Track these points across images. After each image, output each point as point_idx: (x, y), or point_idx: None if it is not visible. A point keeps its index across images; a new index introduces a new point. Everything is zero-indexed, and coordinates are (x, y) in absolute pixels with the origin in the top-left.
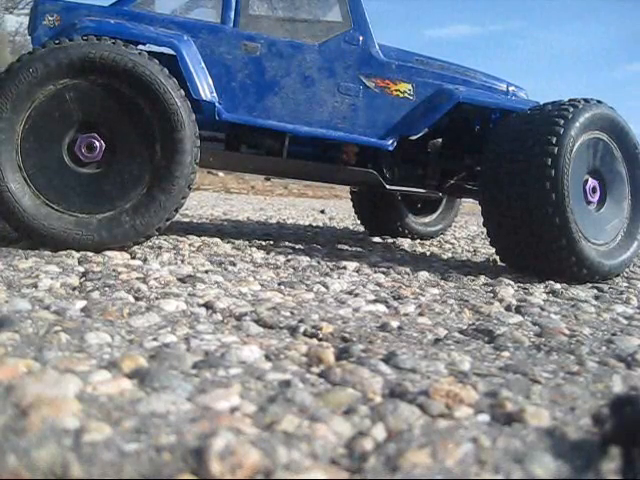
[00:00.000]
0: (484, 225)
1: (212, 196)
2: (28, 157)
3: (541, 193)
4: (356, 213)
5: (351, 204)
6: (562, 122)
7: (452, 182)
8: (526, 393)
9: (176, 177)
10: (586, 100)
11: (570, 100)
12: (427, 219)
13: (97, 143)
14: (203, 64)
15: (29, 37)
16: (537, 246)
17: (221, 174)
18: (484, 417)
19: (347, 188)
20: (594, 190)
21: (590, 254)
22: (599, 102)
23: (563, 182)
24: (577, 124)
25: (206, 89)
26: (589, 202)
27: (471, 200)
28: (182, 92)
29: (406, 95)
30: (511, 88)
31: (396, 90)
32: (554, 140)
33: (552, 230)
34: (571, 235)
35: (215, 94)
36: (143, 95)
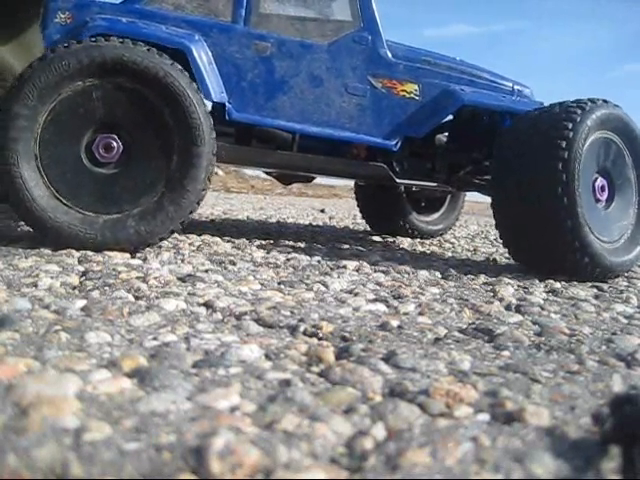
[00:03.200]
0: (491, 207)
1: (212, 195)
2: (46, 148)
3: (552, 174)
4: (360, 210)
5: (351, 203)
6: (579, 112)
7: (460, 175)
8: (526, 392)
9: (188, 191)
10: (605, 100)
11: (589, 98)
12: (430, 218)
13: (115, 145)
14: (214, 64)
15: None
16: (543, 229)
17: (221, 173)
18: (484, 416)
19: (347, 187)
20: (602, 189)
21: (594, 244)
22: (616, 105)
23: (575, 166)
24: (594, 116)
25: (216, 89)
26: (597, 200)
27: (473, 199)
28: (207, 108)
29: (412, 96)
30: (517, 87)
31: (402, 90)
32: (570, 126)
33: (559, 212)
34: (577, 219)
35: (225, 94)
36: (168, 105)
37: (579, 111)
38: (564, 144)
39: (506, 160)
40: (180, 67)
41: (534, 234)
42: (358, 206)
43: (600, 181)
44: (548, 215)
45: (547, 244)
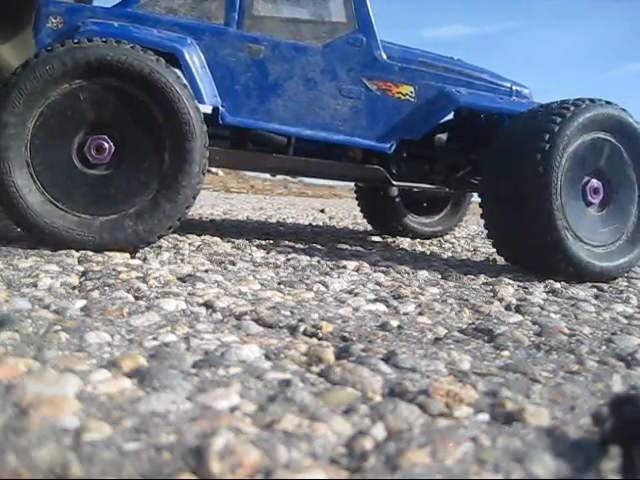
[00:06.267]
0: (481, 217)
1: (212, 195)
2: (37, 154)
3: (530, 189)
4: (360, 210)
5: (352, 203)
6: (559, 120)
7: (458, 177)
8: (526, 392)
9: (183, 187)
10: (592, 100)
11: (575, 99)
12: (430, 219)
13: (106, 145)
14: (207, 67)
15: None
16: (526, 241)
17: (221, 173)
18: (484, 416)
19: (347, 187)
20: (596, 191)
21: (578, 253)
22: (608, 103)
23: (552, 179)
24: (575, 123)
25: (209, 93)
26: (589, 203)
27: (473, 199)
28: (196, 102)
29: (408, 97)
30: (515, 87)
31: (398, 92)
32: (547, 137)
33: (539, 226)
34: (556, 232)
35: (218, 97)
36: (157, 102)
37: (559, 119)
38: (539, 157)
39: (493, 166)
40: (165, 63)
41: (518, 243)
42: (359, 206)
43: (593, 183)
44: (531, 228)
45: (532, 254)
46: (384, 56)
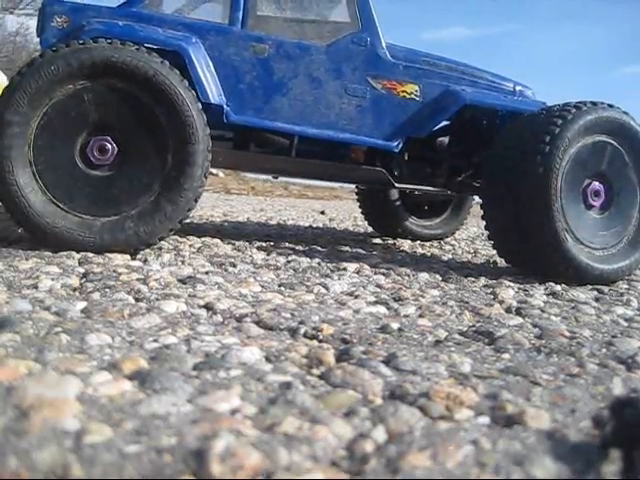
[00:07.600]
0: (482, 218)
1: (212, 197)
2: (40, 153)
3: (529, 190)
4: (361, 212)
5: (352, 204)
6: (560, 122)
7: (459, 179)
8: (526, 395)
9: (185, 189)
10: (594, 103)
11: (577, 102)
12: (430, 222)
13: (109, 146)
14: (211, 66)
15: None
16: (526, 242)
17: (221, 174)
18: (484, 419)
19: (347, 189)
20: (597, 194)
21: (578, 256)
22: (610, 106)
23: (551, 181)
24: (576, 126)
25: (214, 91)
26: (590, 205)
27: (477, 201)
28: (200, 105)
29: (413, 96)
30: (518, 87)
31: (403, 91)
32: (547, 139)
33: (538, 227)
34: (556, 234)
35: (223, 96)
36: (161, 104)
37: (560, 121)
38: (539, 158)
39: (494, 166)
40: (169, 65)
41: (518, 244)
42: (360, 208)
43: (594, 186)
44: (530, 229)
45: (531, 255)
46: (388, 55)
